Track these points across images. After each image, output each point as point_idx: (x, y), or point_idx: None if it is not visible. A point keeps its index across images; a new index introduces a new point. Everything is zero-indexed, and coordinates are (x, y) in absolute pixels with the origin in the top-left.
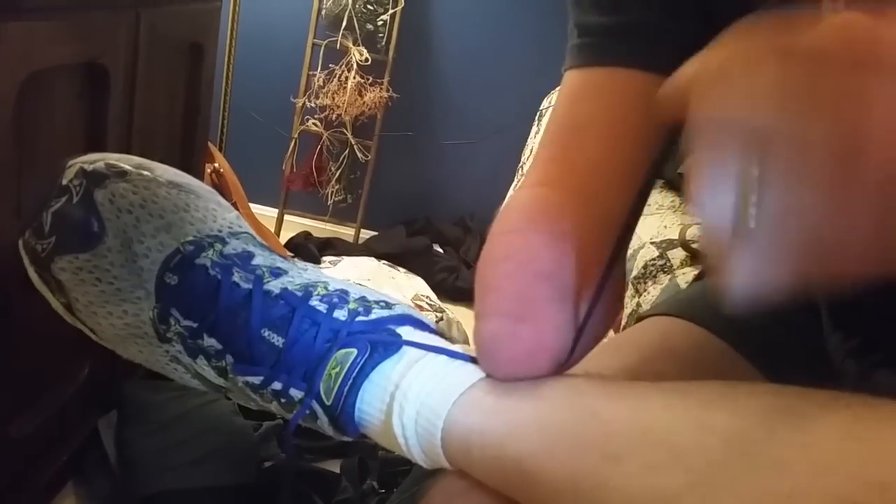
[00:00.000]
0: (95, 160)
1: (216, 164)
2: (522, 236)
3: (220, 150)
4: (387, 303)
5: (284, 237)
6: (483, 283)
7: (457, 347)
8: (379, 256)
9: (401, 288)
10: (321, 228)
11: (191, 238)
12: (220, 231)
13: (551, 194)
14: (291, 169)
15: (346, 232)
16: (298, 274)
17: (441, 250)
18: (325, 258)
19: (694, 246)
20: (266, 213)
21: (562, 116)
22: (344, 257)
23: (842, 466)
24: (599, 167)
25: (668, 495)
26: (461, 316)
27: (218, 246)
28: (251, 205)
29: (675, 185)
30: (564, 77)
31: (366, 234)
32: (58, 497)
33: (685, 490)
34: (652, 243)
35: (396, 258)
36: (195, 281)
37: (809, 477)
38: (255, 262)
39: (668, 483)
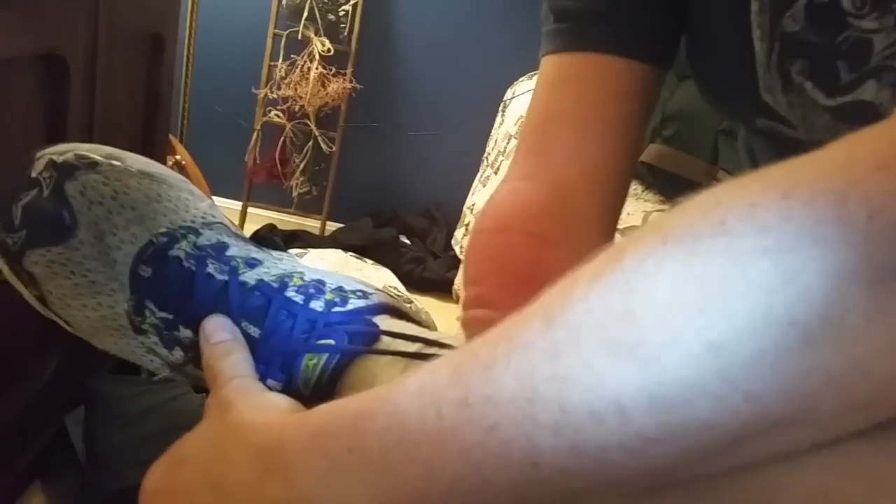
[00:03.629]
0: (65, 151)
1: (177, 157)
2: (502, 236)
3: (181, 142)
4: (363, 292)
5: (249, 230)
6: (467, 278)
7: (432, 335)
8: (346, 248)
9: (368, 280)
10: (286, 221)
11: (164, 229)
12: (193, 221)
13: (530, 189)
14: (254, 161)
15: (311, 224)
16: (274, 264)
17: (408, 241)
18: (290, 251)
19: None
20: (229, 206)
21: (539, 105)
22: (310, 249)
23: None
24: (575, 158)
25: None
26: (429, 306)
27: (191, 237)
28: (214, 197)
29: (636, 173)
30: (541, 63)
31: (332, 226)
32: (25, 495)
33: None
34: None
35: (363, 250)
36: (169, 273)
37: None
38: (230, 252)
39: None
